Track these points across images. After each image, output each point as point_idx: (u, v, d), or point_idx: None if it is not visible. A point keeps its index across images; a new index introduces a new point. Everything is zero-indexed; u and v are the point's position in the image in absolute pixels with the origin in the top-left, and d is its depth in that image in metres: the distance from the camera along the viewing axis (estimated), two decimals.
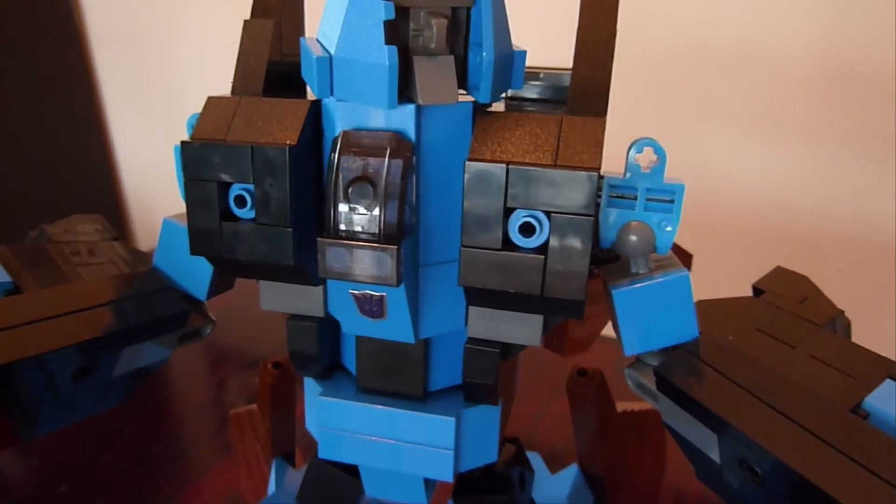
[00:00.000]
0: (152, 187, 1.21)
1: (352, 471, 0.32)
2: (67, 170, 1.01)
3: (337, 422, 0.29)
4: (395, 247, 0.23)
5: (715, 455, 0.26)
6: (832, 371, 0.25)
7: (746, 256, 0.71)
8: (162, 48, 0.99)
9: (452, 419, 0.28)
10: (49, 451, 0.67)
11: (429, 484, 0.31)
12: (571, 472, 0.38)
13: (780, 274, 0.31)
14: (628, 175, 0.26)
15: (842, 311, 0.28)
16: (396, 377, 0.29)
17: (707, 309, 0.29)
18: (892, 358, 0.25)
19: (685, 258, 0.35)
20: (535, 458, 0.38)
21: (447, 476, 0.28)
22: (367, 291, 0.25)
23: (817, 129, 0.69)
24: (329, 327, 0.29)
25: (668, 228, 0.26)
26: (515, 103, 0.30)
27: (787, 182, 0.71)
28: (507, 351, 0.28)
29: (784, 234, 0.72)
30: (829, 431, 0.22)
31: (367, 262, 0.24)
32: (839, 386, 0.24)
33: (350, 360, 0.30)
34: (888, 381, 0.24)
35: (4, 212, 0.87)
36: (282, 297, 0.29)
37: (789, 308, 0.28)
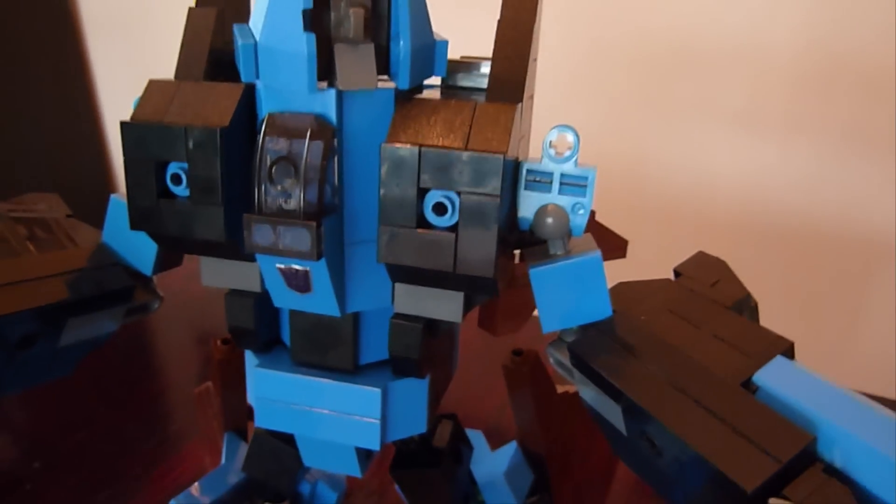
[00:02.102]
0: None
1: (293, 443, 0.34)
2: (60, 154, 1.02)
3: (272, 392, 0.30)
4: (314, 223, 0.24)
5: (622, 428, 0.27)
6: (731, 349, 0.26)
7: (742, 253, 0.72)
8: (155, 32, 1.00)
9: (378, 390, 0.29)
10: (22, 428, 0.69)
11: (362, 455, 0.32)
12: (510, 448, 0.39)
13: (699, 258, 0.32)
14: (544, 160, 0.27)
15: (749, 294, 0.29)
16: (328, 351, 0.30)
17: (626, 290, 0.30)
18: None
19: (619, 244, 0.36)
20: (476, 436, 0.39)
21: (374, 444, 0.30)
22: (292, 266, 0.27)
23: (811, 126, 0.70)
24: (267, 303, 0.30)
25: (581, 212, 0.27)
26: (453, 91, 0.31)
27: (782, 180, 0.72)
28: (434, 328, 0.30)
29: (776, 232, 0.73)
30: (716, 403, 0.24)
31: (288, 238, 0.25)
32: (735, 363, 0.26)
33: (287, 334, 0.31)
34: (778, 357, 0.25)
35: None
36: (221, 273, 0.30)
37: (701, 290, 0.29)
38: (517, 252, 0.34)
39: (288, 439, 0.35)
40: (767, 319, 0.30)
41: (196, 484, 0.37)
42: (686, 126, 0.74)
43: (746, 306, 0.29)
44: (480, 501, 0.37)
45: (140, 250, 0.32)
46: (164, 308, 0.92)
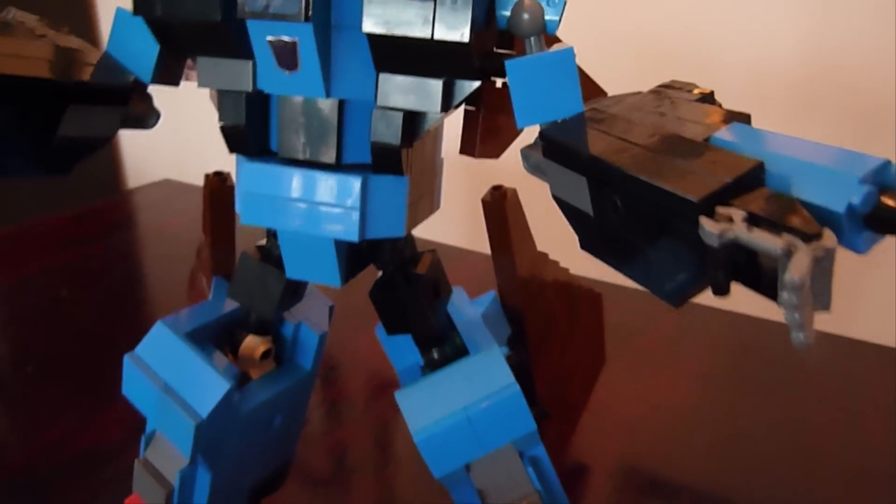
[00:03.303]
0: (149, 153, 1.26)
1: (278, 264, 0.35)
2: None
3: (257, 186, 0.32)
4: None
5: (589, 208, 0.29)
6: (693, 124, 0.28)
7: None
8: None
9: (359, 178, 0.31)
10: (15, 336, 0.71)
11: (343, 264, 0.34)
12: (488, 297, 0.41)
13: (672, 82, 0.34)
14: None
15: (713, 92, 0.31)
16: (314, 144, 0.31)
17: (600, 98, 0.32)
18: None
19: (598, 92, 0.38)
20: (457, 290, 0.40)
21: (353, 235, 0.31)
22: (282, 38, 0.29)
23: (805, 124, 0.73)
24: (258, 105, 0.32)
25: (556, 1, 0.29)
26: None
27: None
28: (414, 127, 0.31)
29: None
30: (674, 150, 0.25)
31: (278, 1, 0.27)
32: (696, 132, 0.27)
33: (275, 140, 0.33)
34: (734, 122, 0.27)
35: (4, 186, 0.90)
36: (216, 73, 0.32)
37: (671, 93, 0.31)
38: (499, 81, 0.35)
39: (274, 262, 0.36)
40: None
41: (182, 310, 0.38)
42: None
43: (711, 100, 0.30)
44: (459, 344, 0.38)
45: (141, 57, 0.34)
46: (161, 245, 0.93)
